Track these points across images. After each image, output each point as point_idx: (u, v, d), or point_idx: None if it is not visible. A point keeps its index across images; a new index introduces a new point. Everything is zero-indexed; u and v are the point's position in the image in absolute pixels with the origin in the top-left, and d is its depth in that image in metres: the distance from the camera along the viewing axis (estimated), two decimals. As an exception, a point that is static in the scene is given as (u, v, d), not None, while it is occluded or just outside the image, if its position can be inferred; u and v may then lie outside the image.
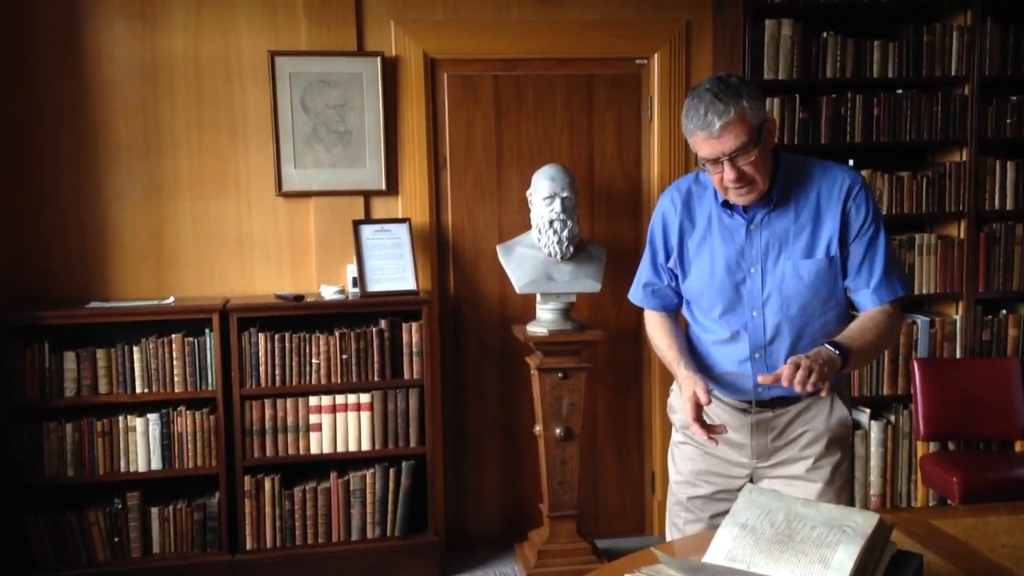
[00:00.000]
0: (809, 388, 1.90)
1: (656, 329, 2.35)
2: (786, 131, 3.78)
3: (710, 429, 2.05)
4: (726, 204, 2.16)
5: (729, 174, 2.03)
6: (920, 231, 4.03)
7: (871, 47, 3.83)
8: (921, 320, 3.95)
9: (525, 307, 3.89)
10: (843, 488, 2.24)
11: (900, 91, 3.88)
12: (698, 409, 2.04)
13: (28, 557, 3.47)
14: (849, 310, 2.23)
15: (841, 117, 3.84)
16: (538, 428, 3.70)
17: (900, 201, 3.90)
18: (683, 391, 2.13)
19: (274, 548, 3.61)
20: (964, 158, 3.92)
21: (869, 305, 2.15)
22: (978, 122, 3.88)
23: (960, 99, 3.89)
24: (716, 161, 2.04)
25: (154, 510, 3.54)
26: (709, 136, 2.01)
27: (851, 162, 3.92)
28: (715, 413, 2.25)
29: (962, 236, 3.95)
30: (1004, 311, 4.01)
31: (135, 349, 3.49)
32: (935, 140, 3.91)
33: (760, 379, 2.00)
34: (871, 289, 2.14)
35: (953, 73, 3.87)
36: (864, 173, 3.85)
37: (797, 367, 1.90)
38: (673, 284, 2.31)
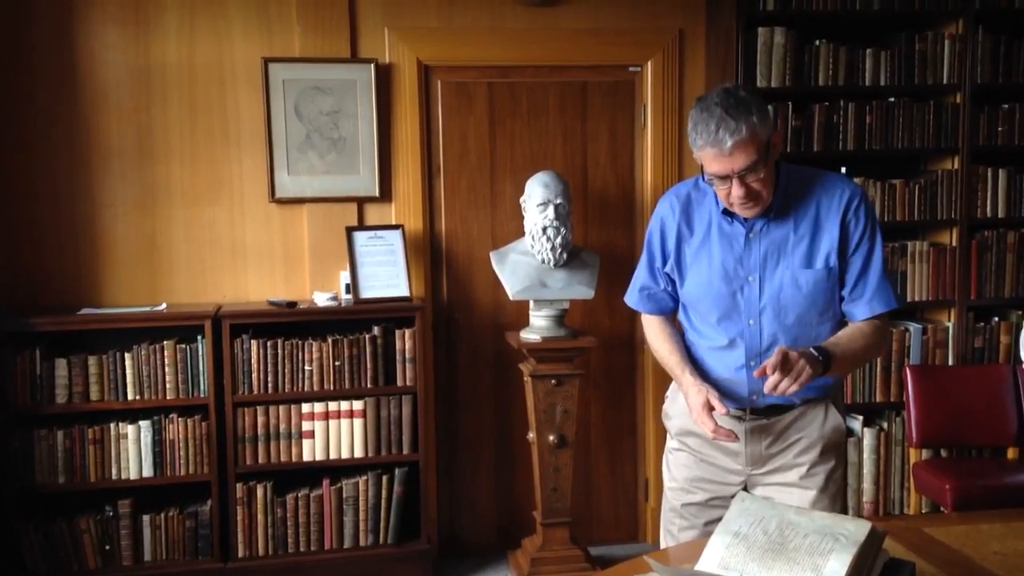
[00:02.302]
0: (787, 392, 1.94)
1: (656, 335, 2.35)
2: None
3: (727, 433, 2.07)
4: (726, 211, 2.16)
5: (737, 191, 2.03)
6: (912, 238, 4.04)
7: (863, 55, 3.85)
8: (913, 327, 3.96)
9: (519, 314, 3.89)
10: (837, 495, 2.24)
11: (892, 99, 3.89)
12: (712, 417, 2.06)
13: (19, 565, 3.45)
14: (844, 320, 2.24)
15: (833, 125, 3.85)
16: (531, 435, 3.69)
17: (892, 209, 3.91)
18: (692, 399, 2.13)
19: (266, 556, 3.59)
20: (956, 166, 3.93)
21: (860, 317, 2.17)
22: (970, 130, 3.89)
23: (952, 107, 3.90)
24: (724, 177, 2.03)
25: (146, 518, 3.52)
26: (719, 153, 1.99)
27: (843, 170, 3.94)
28: (717, 420, 2.24)
29: (954, 243, 3.96)
30: (996, 318, 4.02)
31: (127, 356, 3.48)
32: (927, 148, 3.92)
33: (755, 374, 2.01)
34: (864, 301, 2.16)
35: (945, 81, 3.89)
36: (857, 181, 3.86)
37: (784, 354, 1.93)
38: (669, 289, 2.31)
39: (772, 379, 1.93)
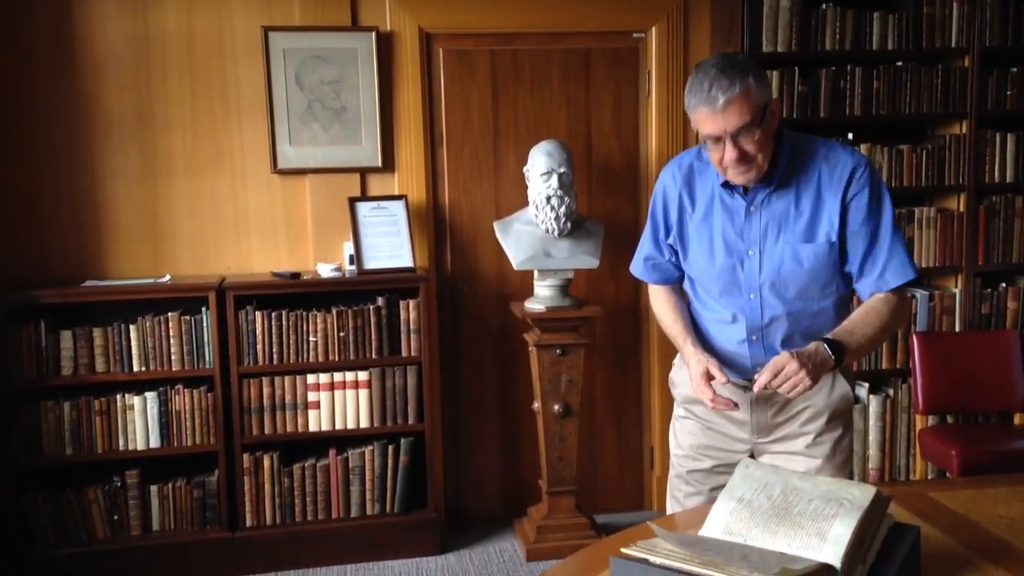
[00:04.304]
0: (789, 394, 1.94)
1: (661, 304, 2.33)
2: (785, 105, 3.75)
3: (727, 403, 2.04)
4: (727, 184, 2.13)
5: (731, 153, 1.98)
6: (920, 204, 4.01)
7: (870, 19, 3.80)
8: (920, 294, 3.94)
9: (523, 284, 3.88)
10: (844, 464, 2.22)
11: (900, 63, 3.84)
12: (711, 386, 2.05)
13: (28, 536, 3.48)
14: (850, 295, 2.20)
15: (840, 90, 3.81)
16: (537, 405, 3.69)
17: (900, 174, 3.88)
18: (692, 369, 2.11)
19: (274, 525, 3.62)
20: (964, 131, 3.89)
21: (873, 292, 2.11)
22: (978, 94, 3.85)
23: (960, 71, 3.86)
24: (717, 139, 2.00)
25: (153, 488, 3.54)
26: (712, 111, 1.96)
27: (850, 135, 3.91)
28: (716, 389, 2.23)
29: (962, 209, 3.93)
30: (1003, 284, 4.00)
31: (132, 328, 3.49)
32: (935, 113, 3.88)
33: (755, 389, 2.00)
34: (874, 278, 2.10)
35: (953, 45, 3.84)
36: (863, 147, 3.84)
37: (783, 367, 1.92)
38: (673, 259, 2.29)
39: (777, 382, 1.93)
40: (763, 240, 2.11)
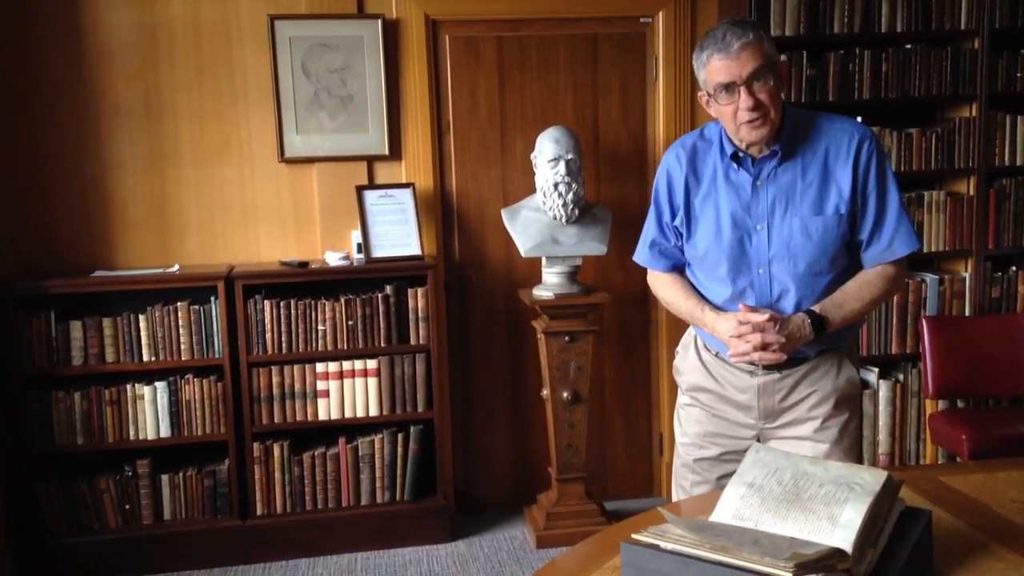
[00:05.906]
0: (755, 360, 2.08)
1: (667, 287, 2.31)
2: (794, 89, 3.73)
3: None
4: (734, 157, 2.12)
5: (745, 101, 2.00)
6: (929, 188, 3.98)
7: (879, 1, 3.76)
8: (930, 278, 3.92)
9: (531, 271, 3.88)
10: (851, 447, 2.22)
11: (909, 46, 3.81)
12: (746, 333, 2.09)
13: (40, 525, 3.50)
14: (857, 266, 2.20)
15: (849, 73, 3.78)
16: (545, 392, 3.69)
17: (909, 158, 3.85)
18: (722, 329, 2.11)
19: (284, 513, 3.63)
20: (974, 113, 3.86)
21: (879, 263, 2.14)
22: (988, 76, 3.81)
23: (970, 53, 3.83)
24: (730, 89, 2.00)
25: (164, 477, 3.56)
26: (726, 56, 1.99)
27: (859, 119, 3.87)
28: (720, 374, 2.23)
29: (971, 192, 3.91)
30: (1014, 268, 3.98)
31: (141, 317, 3.50)
32: (944, 95, 3.85)
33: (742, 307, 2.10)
34: (881, 249, 2.13)
35: (963, 26, 3.80)
36: (873, 130, 3.81)
37: (762, 330, 2.05)
38: (680, 244, 2.27)
39: (744, 348, 2.06)
40: (771, 214, 2.11)
